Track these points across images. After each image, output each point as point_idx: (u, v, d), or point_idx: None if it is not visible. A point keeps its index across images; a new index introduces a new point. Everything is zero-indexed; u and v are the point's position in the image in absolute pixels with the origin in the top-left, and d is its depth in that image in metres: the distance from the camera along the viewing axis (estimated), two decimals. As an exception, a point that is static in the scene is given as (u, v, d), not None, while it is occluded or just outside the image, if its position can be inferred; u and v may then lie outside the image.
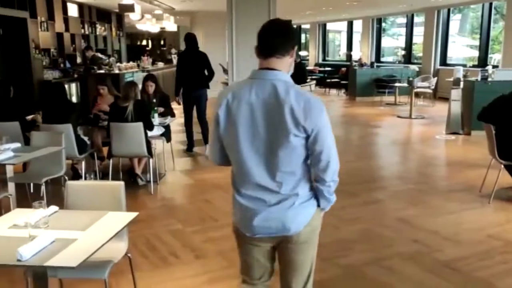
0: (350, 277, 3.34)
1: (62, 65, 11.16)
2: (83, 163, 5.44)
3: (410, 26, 15.90)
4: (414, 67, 14.07)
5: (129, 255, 2.74)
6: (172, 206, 4.85)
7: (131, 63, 13.05)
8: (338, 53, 21.56)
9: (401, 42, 16.82)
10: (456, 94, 8.46)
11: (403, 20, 16.76)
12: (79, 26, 12.34)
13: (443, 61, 14.15)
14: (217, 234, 4.08)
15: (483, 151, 5.58)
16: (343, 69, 16.17)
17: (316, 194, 2.01)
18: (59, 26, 11.10)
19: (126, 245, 2.74)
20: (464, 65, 11.58)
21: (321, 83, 16.74)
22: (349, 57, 17.83)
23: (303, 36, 22.81)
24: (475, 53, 13.60)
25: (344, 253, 3.66)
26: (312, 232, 2.04)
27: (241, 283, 2.23)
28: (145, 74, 9.48)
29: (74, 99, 10.60)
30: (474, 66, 12.25)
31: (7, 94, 5.38)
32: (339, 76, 16.15)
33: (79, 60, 12.10)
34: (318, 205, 2.03)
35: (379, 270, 3.41)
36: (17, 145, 4.21)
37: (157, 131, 5.64)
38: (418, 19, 15.62)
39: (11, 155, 3.88)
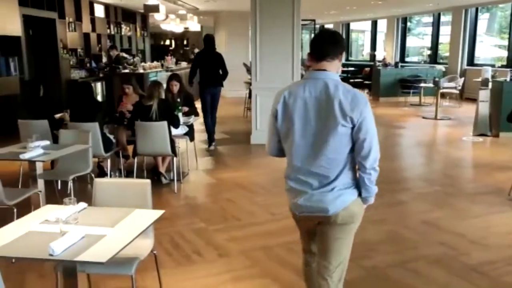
0: (374, 279, 3.31)
1: (88, 65, 11.38)
2: (109, 161, 5.53)
3: (436, 25, 15.63)
4: (440, 67, 13.83)
5: (154, 252, 2.77)
6: (195, 205, 4.89)
7: (155, 63, 13.21)
8: (362, 53, 21.36)
9: (427, 42, 16.55)
10: (484, 95, 8.28)
11: (429, 19, 16.49)
12: (105, 26, 12.56)
13: (471, 61, 13.87)
14: (240, 234, 4.10)
15: (512, 153, 5.46)
16: (367, 69, 16.00)
17: (358, 184, 2.25)
18: (86, 26, 11.32)
19: (152, 243, 2.78)
20: (493, 65, 11.32)
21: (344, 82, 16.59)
22: (372, 57, 17.64)
23: (326, 36, 22.67)
24: (504, 53, 13.29)
25: (369, 255, 3.63)
26: (349, 217, 2.25)
27: (303, 254, 2.63)
28: (168, 73, 9.61)
29: (99, 98, 10.79)
30: (502, 66, 11.98)
31: (37, 93, 5.50)
32: (362, 76, 16.00)
33: (104, 59, 12.31)
34: (360, 195, 2.26)
35: (403, 272, 3.37)
36: (46, 142, 4.31)
37: (181, 130, 5.70)
38: (445, 18, 15.35)
39: (41, 152, 3.98)
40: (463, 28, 13.74)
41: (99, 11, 12.16)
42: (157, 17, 12.39)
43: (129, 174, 5.70)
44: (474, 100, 9.61)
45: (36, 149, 3.98)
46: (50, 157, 4.14)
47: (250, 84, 8.42)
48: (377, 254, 3.67)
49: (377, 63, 15.06)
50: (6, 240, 2.12)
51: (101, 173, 5.63)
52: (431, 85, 11.44)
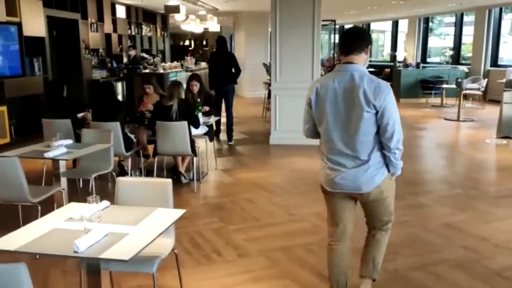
0: (396, 282, 3.28)
1: (109, 65, 11.52)
2: (129, 160, 5.59)
3: (459, 25, 15.38)
4: (463, 68, 13.60)
5: (175, 251, 2.79)
6: (214, 205, 4.91)
7: (175, 63, 13.32)
8: (382, 53, 21.16)
9: (449, 42, 16.30)
10: (508, 96, 8.11)
11: (451, 19, 16.24)
12: (126, 27, 12.71)
13: (494, 62, 13.61)
14: (260, 234, 4.10)
15: (537, 156, 5.33)
16: (387, 69, 15.83)
17: (386, 163, 2.56)
18: (108, 27, 11.47)
19: (173, 242, 2.80)
20: (517, 66, 11.10)
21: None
22: (393, 57, 17.45)
23: (346, 36, 22.53)
24: (528, 54, 13.01)
25: (391, 257, 3.58)
26: (379, 193, 2.60)
27: (329, 239, 2.81)
28: (188, 73, 9.77)
29: (120, 97, 10.91)
30: (527, 67, 11.72)
31: (61, 93, 5.59)
32: (382, 77, 15.76)
33: (125, 60, 12.46)
34: (389, 171, 2.58)
35: (426, 276, 3.32)
36: (69, 141, 4.38)
37: (201, 130, 5.73)
38: (468, 18, 15.10)
39: (64, 151, 4.04)
40: (486, 28, 13.49)
41: (121, 12, 12.31)
42: (178, 17, 12.47)
43: (149, 173, 5.75)
44: (497, 101, 9.43)
45: (59, 148, 4.04)
46: (73, 155, 4.20)
47: (269, 84, 8.42)
48: (399, 257, 3.62)
49: (398, 64, 14.89)
50: (32, 236, 2.16)
51: (122, 172, 5.69)
52: (453, 86, 11.25)
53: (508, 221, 4.41)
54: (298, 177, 5.89)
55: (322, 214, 4.54)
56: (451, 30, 16.02)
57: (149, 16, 14.52)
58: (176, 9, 10.64)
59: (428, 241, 3.93)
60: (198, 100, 6.21)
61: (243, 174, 6.04)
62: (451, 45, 15.84)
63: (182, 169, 5.60)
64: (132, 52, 12.35)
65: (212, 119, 6.10)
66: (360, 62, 2.54)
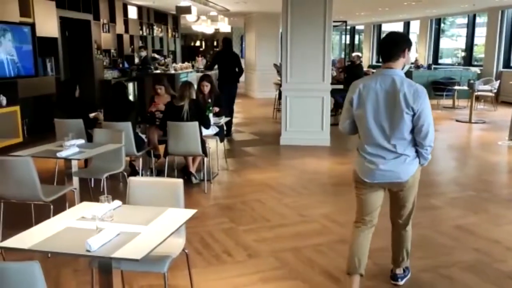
0: (406, 283, 3.26)
1: (120, 65, 11.61)
2: (140, 160, 5.63)
3: (471, 26, 15.25)
4: (475, 70, 13.48)
5: (186, 251, 2.80)
6: (224, 205, 4.92)
7: (186, 64, 13.36)
8: (393, 54, 21.01)
9: (461, 44, 16.17)
10: (521, 98, 8.03)
11: (463, 20, 16.10)
12: (137, 27, 12.79)
13: (507, 64, 13.47)
14: (270, 235, 4.10)
15: (551, 159, 5.27)
16: (398, 71, 15.71)
17: (417, 155, 2.87)
18: (120, 27, 11.55)
19: (184, 241, 2.81)
20: (530, 68, 10.97)
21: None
22: (404, 58, 17.33)
23: (356, 37, 22.46)
24: (542, 55, 12.85)
25: (400, 259, 3.57)
26: (414, 181, 2.93)
27: (355, 223, 3.08)
28: (199, 74, 9.96)
29: (131, 98, 10.98)
30: (540, 68, 11.58)
31: (73, 93, 5.64)
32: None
33: (136, 60, 12.53)
34: (419, 162, 2.90)
35: (437, 278, 3.30)
36: (82, 141, 4.42)
37: (211, 130, 5.75)
38: (480, 20, 14.96)
39: (76, 151, 4.08)
40: (499, 30, 13.36)
41: (132, 13, 12.39)
42: (189, 18, 12.52)
43: (160, 173, 5.78)
44: (510, 103, 9.35)
45: (72, 148, 4.08)
46: (85, 155, 4.24)
47: (280, 85, 8.43)
48: (410, 258, 3.56)
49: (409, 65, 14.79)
50: (45, 235, 2.18)
51: (133, 172, 5.73)
52: (465, 87, 11.15)
53: (521, 224, 4.36)
54: (308, 178, 5.89)
55: (332, 215, 4.55)
56: (463, 31, 15.89)
57: (160, 16, 14.60)
58: (187, 10, 10.69)
59: (439, 243, 3.91)
60: (209, 100, 6.23)
61: (253, 175, 6.04)
62: (463, 46, 15.71)
63: (192, 169, 5.62)
64: (143, 53, 12.43)
65: (223, 120, 6.11)
66: (399, 67, 2.83)
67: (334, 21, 7.88)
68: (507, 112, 9.63)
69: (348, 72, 10.31)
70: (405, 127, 2.76)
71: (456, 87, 11.93)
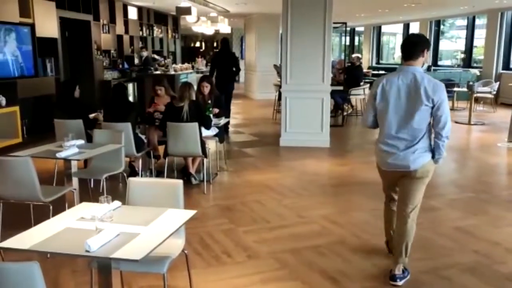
0: (406, 285, 3.25)
1: (120, 66, 11.60)
2: (140, 161, 5.62)
3: (471, 28, 15.27)
4: (475, 71, 13.49)
5: (185, 252, 2.80)
6: (224, 206, 4.92)
7: (186, 64, 13.36)
8: (393, 56, 21.06)
9: (460, 45, 16.19)
10: (520, 99, 8.04)
11: (462, 22, 16.12)
12: (137, 28, 12.79)
13: (506, 65, 13.48)
14: (270, 236, 4.10)
15: (551, 161, 5.26)
16: (398, 72, 15.72)
17: (432, 149, 3.13)
18: (120, 28, 11.55)
19: (183, 242, 2.81)
20: (529, 70, 10.98)
21: (374, 86, 16.37)
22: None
23: (356, 38, 22.47)
24: (541, 57, 12.86)
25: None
26: (423, 173, 3.14)
27: (386, 200, 3.55)
28: (199, 75, 10.04)
29: (131, 98, 10.98)
30: (540, 70, 11.59)
31: (73, 93, 5.64)
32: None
33: (136, 61, 12.53)
34: (433, 157, 3.14)
35: (436, 279, 3.30)
36: (81, 142, 4.42)
37: (211, 131, 5.75)
38: (479, 21, 14.98)
39: (76, 151, 4.08)
40: (498, 31, 13.38)
41: (132, 14, 12.39)
42: (189, 19, 12.52)
43: (159, 174, 5.78)
44: (509, 105, 9.36)
45: (71, 148, 4.08)
46: (85, 156, 4.23)
47: (279, 86, 8.43)
48: (410, 260, 3.57)
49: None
50: (44, 236, 2.18)
51: (133, 172, 5.72)
52: (464, 89, 11.16)
53: (520, 226, 4.36)
54: (308, 179, 5.89)
55: (332, 216, 4.55)
56: (463, 33, 15.90)
57: (160, 17, 14.60)
58: (187, 11, 10.68)
59: (439, 245, 3.91)
60: (209, 101, 6.22)
61: (253, 176, 6.04)
62: (463, 48, 15.72)
63: (192, 170, 5.62)
64: (145, 53, 12.42)
65: (223, 121, 6.11)
66: (418, 65, 3.13)
67: (334, 23, 7.88)
68: (506, 113, 9.64)
69: (348, 74, 10.32)
70: (422, 118, 3.05)
71: (456, 89, 11.93)
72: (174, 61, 14.83)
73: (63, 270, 3.39)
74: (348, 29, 14.46)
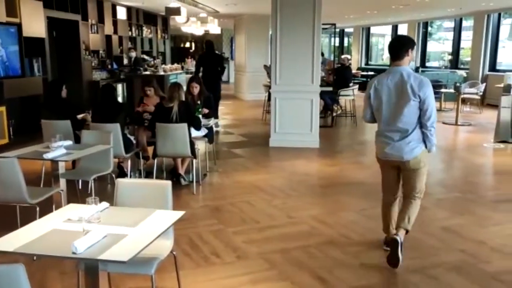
0: (393, 284, 3.29)
1: (109, 66, 11.53)
2: (129, 161, 5.60)
3: (458, 30, 15.42)
4: (461, 73, 13.63)
5: (174, 253, 2.79)
6: (213, 207, 4.92)
7: (175, 65, 13.31)
8: (381, 57, 21.20)
9: (447, 47, 16.34)
10: (506, 101, 8.14)
11: (450, 24, 16.28)
12: (126, 28, 12.72)
13: (492, 67, 13.65)
14: (259, 236, 4.10)
15: (536, 161, 5.34)
16: (386, 73, 15.83)
17: (424, 140, 3.43)
18: (108, 28, 11.47)
19: (172, 243, 2.80)
20: (515, 71, 11.12)
21: (364, 87, 16.48)
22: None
23: (346, 40, 22.57)
24: (527, 59, 13.03)
25: (387, 261, 3.59)
26: (417, 163, 3.46)
27: (382, 194, 3.77)
28: (188, 75, 10.07)
29: (120, 99, 10.91)
30: (525, 72, 11.74)
31: (60, 93, 5.59)
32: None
33: (125, 61, 12.46)
34: (425, 147, 3.44)
35: (423, 278, 3.33)
36: (69, 142, 4.38)
37: (201, 132, 5.74)
38: (466, 23, 15.14)
39: (63, 152, 4.04)
40: (485, 33, 13.54)
41: (121, 14, 12.32)
42: (178, 19, 12.48)
43: (148, 174, 5.76)
44: (495, 106, 9.44)
45: (59, 149, 4.05)
46: (73, 157, 4.20)
47: (269, 87, 8.45)
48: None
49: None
50: (30, 237, 2.16)
51: (121, 173, 5.69)
52: (451, 90, 11.27)
53: (506, 225, 4.42)
54: (297, 179, 5.90)
55: (321, 217, 4.57)
56: (450, 35, 16.06)
57: (149, 18, 14.53)
58: (177, 11, 10.67)
59: (426, 244, 3.94)
60: (198, 102, 6.21)
61: (242, 177, 6.04)
62: (450, 49, 15.88)
63: (181, 171, 5.60)
64: (133, 54, 12.36)
65: (212, 122, 6.11)
66: (405, 64, 3.44)
67: (323, 24, 7.91)
68: (492, 114, 9.75)
69: (338, 74, 10.37)
70: (411, 112, 3.35)
71: (443, 90, 12.04)
72: (164, 62, 14.77)
73: (50, 272, 3.36)
74: (337, 30, 14.49)
